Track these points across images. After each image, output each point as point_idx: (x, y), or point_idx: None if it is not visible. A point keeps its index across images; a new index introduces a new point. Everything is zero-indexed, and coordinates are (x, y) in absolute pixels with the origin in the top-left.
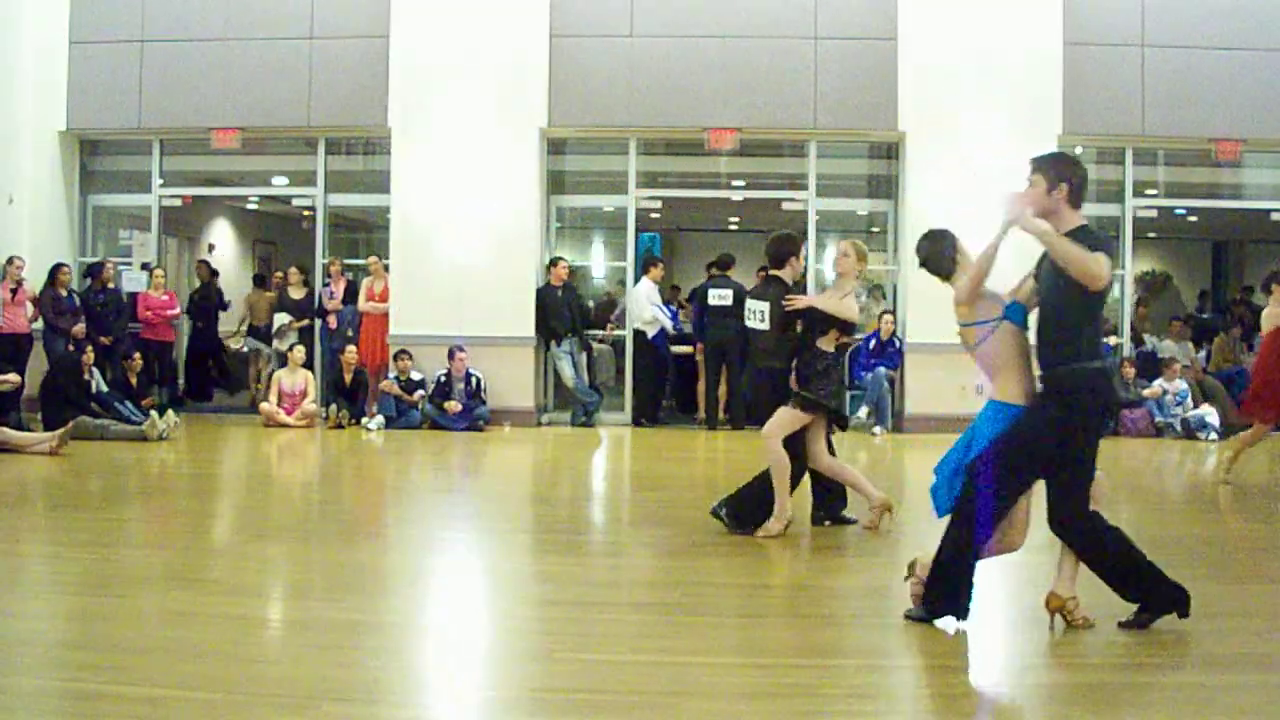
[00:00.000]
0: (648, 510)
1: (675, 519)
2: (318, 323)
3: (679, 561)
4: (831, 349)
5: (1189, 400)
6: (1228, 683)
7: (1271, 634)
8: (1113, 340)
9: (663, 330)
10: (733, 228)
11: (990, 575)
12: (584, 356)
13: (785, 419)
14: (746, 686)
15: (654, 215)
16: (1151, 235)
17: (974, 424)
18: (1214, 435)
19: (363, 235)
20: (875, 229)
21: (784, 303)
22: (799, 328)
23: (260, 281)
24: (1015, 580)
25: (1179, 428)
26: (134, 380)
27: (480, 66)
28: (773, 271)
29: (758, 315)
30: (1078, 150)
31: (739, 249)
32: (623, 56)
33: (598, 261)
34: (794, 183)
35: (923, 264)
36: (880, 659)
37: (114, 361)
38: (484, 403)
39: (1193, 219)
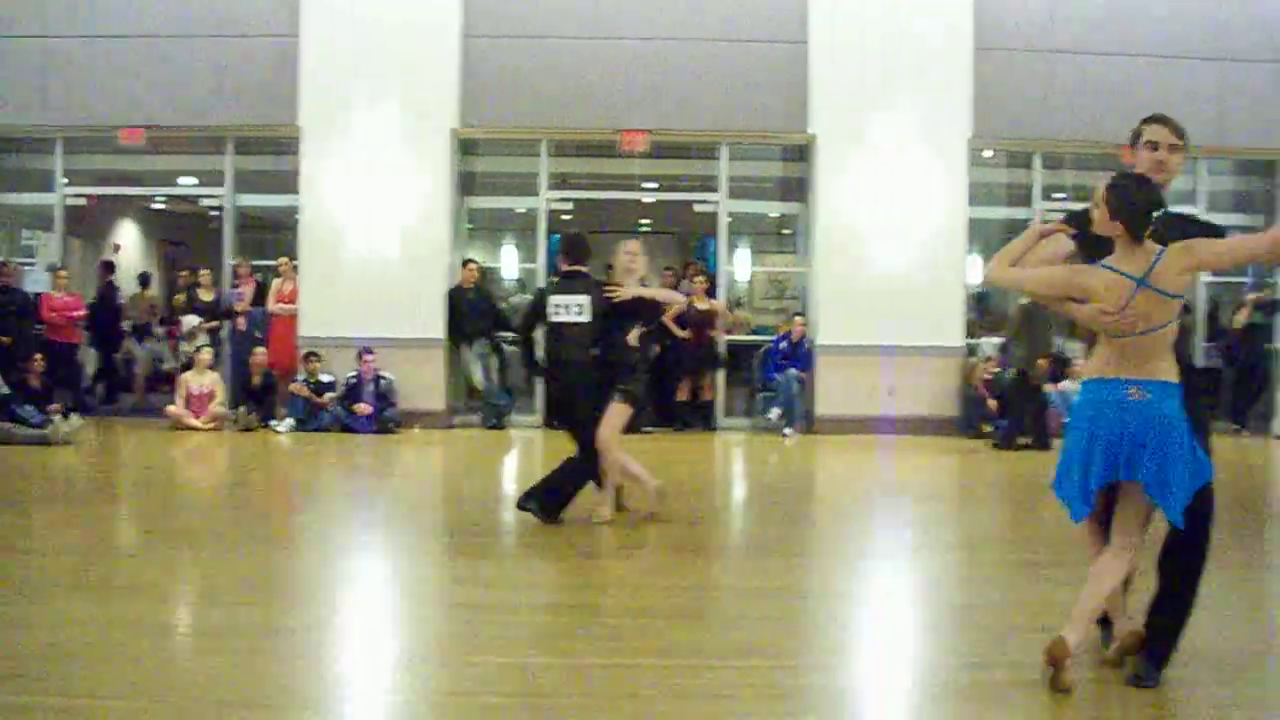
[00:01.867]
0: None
1: (585, 522)
2: (225, 324)
3: (589, 563)
4: (636, 343)
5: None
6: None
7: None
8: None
9: None
10: (644, 229)
11: (898, 576)
12: (495, 359)
13: (618, 418)
14: (658, 688)
15: (565, 217)
16: None
17: (1146, 413)
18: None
19: (271, 236)
20: (786, 231)
21: (605, 294)
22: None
23: (145, 281)
24: (930, 579)
25: None
26: (36, 383)
27: (391, 66)
28: (575, 267)
29: (575, 309)
30: (986, 154)
31: (651, 251)
32: (535, 57)
33: (509, 263)
34: (705, 185)
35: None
36: (790, 659)
37: (15, 364)
38: (394, 405)
39: None
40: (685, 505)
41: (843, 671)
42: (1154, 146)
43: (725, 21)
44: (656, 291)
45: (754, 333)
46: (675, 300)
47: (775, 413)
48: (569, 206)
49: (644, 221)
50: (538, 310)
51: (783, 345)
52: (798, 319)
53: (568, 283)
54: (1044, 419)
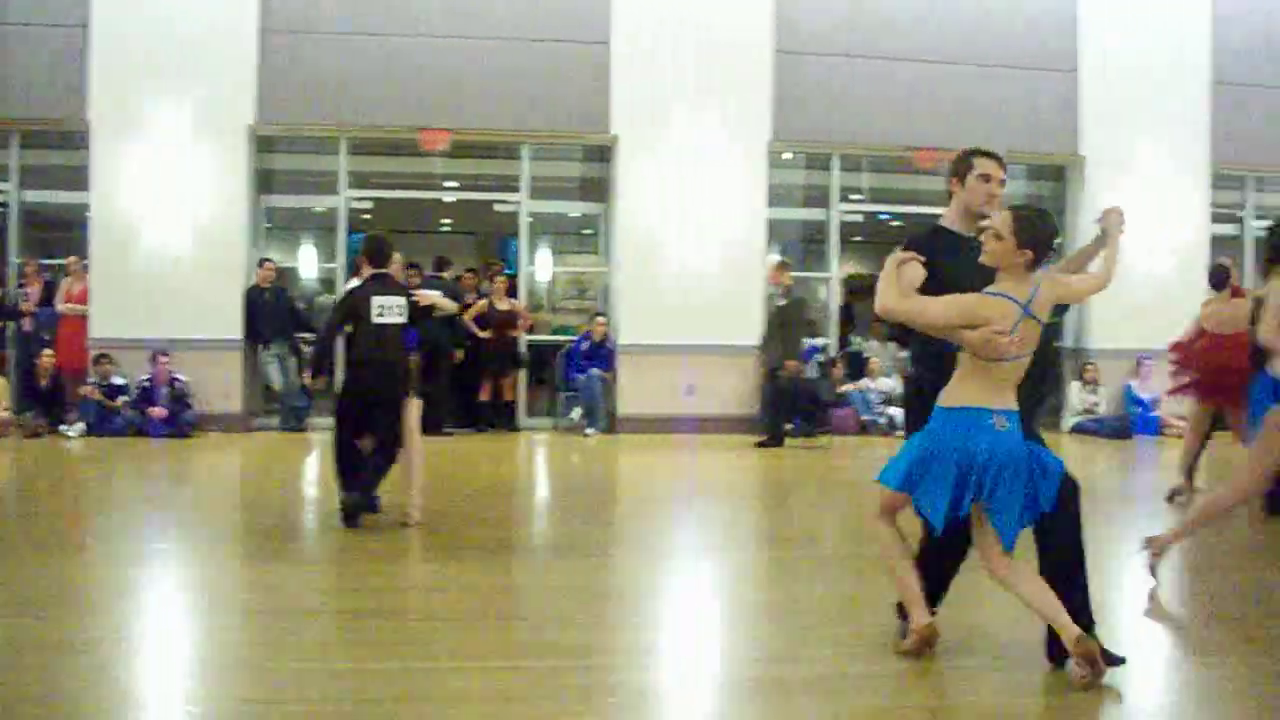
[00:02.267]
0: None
1: (385, 524)
2: (11, 325)
3: (392, 566)
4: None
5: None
6: (929, 668)
7: (973, 618)
8: (820, 341)
9: None
10: (445, 229)
11: (700, 573)
12: (293, 360)
13: (418, 413)
14: (463, 692)
15: (365, 216)
16: (857, 239)
17: (1008, 444)
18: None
19: (60, 234)
20: (587, 231)
21: (414, 299)
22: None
23: None
24: (725, 577)
25: (884, 424)
26: None
27: (186, 59)
28: (380, 270)
29: (396, 310)
30: (786, 156)
31: (452, 251)
32: (335, 54)
33: (308, 263)
34: (507, 185)
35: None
36: (590, 658)
37: None
38: (190, 408)
39: (896, 224)
40: (488, 506)
41: (647, 669)
42: (987, 179)
43: (528, 21)
44: (443, 300)
45: (555, 333)
46: (447, 307)
47: (577, 412)
48: (369, 206)
49: (445, 221)
50: (353, 310)
51: (584, 345)
52: (599, 319)
53: (383, 285)
54: (827, 415)
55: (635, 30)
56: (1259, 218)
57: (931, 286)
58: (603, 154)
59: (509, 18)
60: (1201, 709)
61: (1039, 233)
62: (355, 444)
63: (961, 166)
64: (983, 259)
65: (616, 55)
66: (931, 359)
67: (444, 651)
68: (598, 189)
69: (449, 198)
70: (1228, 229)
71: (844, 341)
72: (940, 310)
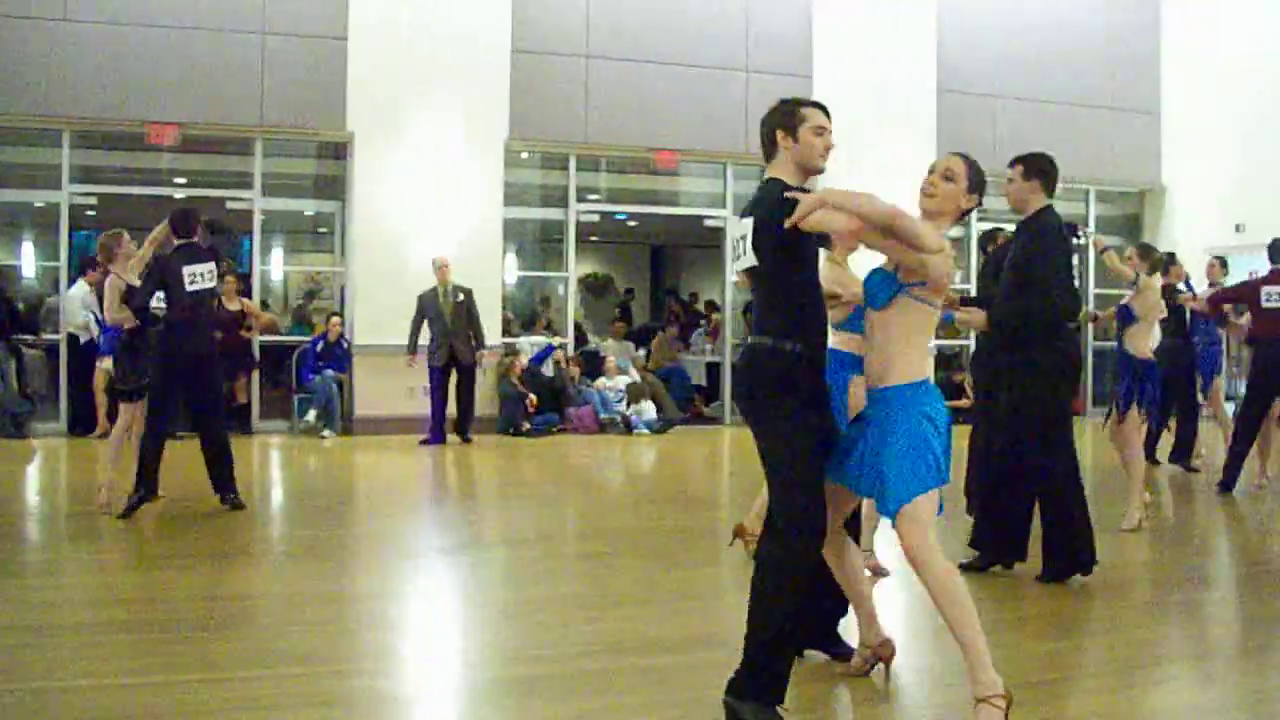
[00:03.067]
0: (92, 525)
1: (120, 531)
2: None
3: (129, 577)
4: None
5: (628, 397)
6: (679, 663)
7: (711, 614)
8: (556, 340)
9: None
10: None
11: (445, 574)
12: (13, 363)
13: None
14: (202, 702)
15: (90, 213)
16: (594, 239)
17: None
18: (648, 430)
19: None
20: (322, 230)
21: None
22: None
23: None
24: (465, 578)
25: (620, 423)
26: None
27: None
28: (187, 240)
29: (207, 276)
30: (523, 156)
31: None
32: (57, 42)
33: (28, 261)
34: (240, 181)
35: None
36: (329, 664)
37: None
38: None
39: (633, 224)
40: (223, 513)
41: (392, 675)
42: (822, 131)
43: (262, 13)
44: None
45: (289, 333)
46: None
47: (313, 414)
48: (93, 202)
49: None
50: (163, 280)
51: (319, 346)
52: (334, 319)
53: (191, 252)
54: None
55: (372, 26)
56: (980, 219)
57: (798, 246)
58: (338, 151)
59: (242, 9)
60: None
61: (983, 180)
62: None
63: (791, 119)
64: (925, 203)
65: (353, 50)
66: (814, 331)
67: (180, 663)
68: (333, 186)
69: (179, 194)
70: (954, 231)
71: (580, 340)
72: (932, 232)
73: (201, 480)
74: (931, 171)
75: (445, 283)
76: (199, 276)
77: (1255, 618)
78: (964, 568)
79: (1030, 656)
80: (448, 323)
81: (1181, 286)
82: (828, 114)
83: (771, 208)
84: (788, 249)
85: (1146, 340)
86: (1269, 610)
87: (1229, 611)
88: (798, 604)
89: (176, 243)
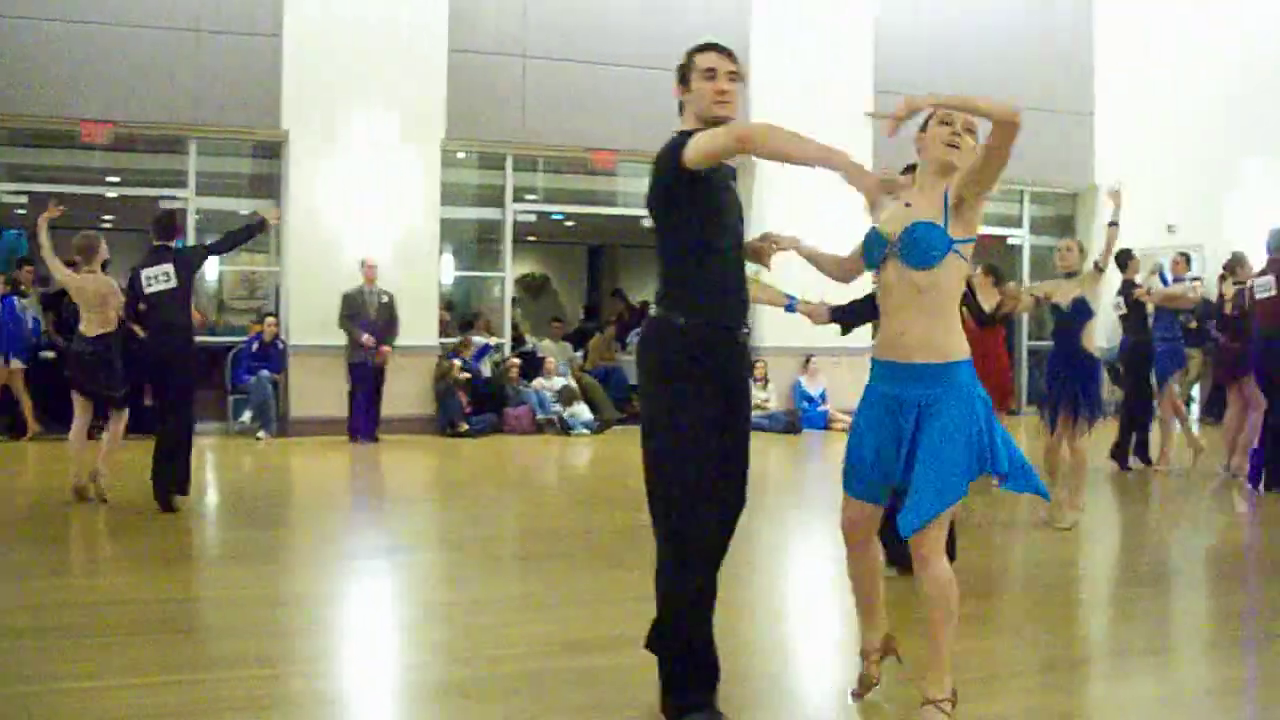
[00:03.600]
0: (32, 530)
1: (57, 537)
2: None
3: (57, 581)
4: None
5: (562, 399)
6: (616, 664)
7: (648, 615)
8: (493, 340)
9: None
10: (107, 226)
11: (378, 576)
12: None
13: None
14: (136, 709)
15: (20, 211)
16: (531, 239)
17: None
18: (586, 430)
19: None
20: None
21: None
22: None
23: None
24: (410, 578)
25: (558, 424)
26: None
27: None
28: (164, 243)
29: (162, 277)
30: (460, 155)
31: (115, 249)
32: None
33: None
34: (174, 180)
35: None
36: (266, 668)
37: None
38: None
39: (570, 224)
40: (155, 515)
41: (331, 677)
42: (712, 74)
43: (196, 10)
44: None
45: (225, 333)
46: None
47: (248, 415)
48: (23, 200)
49: (107, 218)
50: (135, 290)
51: (254, 347)
52: (269, 319)
53: (155, 255)
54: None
55: (307, 24)
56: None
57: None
58: (274, 150)
59: (176, 6)
60: None
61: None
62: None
63: (684, 71)
64: (951, 155)
65: (288, 49)
66: (716, 303)
67: (115, 668)
68: (268, 186)
69: (111, 193)
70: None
71: (518, 340)
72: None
73: (132, 483)
74: (947, 123)
75: (371, 282)
76: (154, 279)
77: (1185, 612)
78: None
79: (962, 654)
80: (371, 321)
81: (1156, 282)
82: (726, 54)
83: (662, 155)
84: (676, 204)
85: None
86: (1197, 606)
87: (1159, 607)
88: (703, 621)
89: (155, 244)
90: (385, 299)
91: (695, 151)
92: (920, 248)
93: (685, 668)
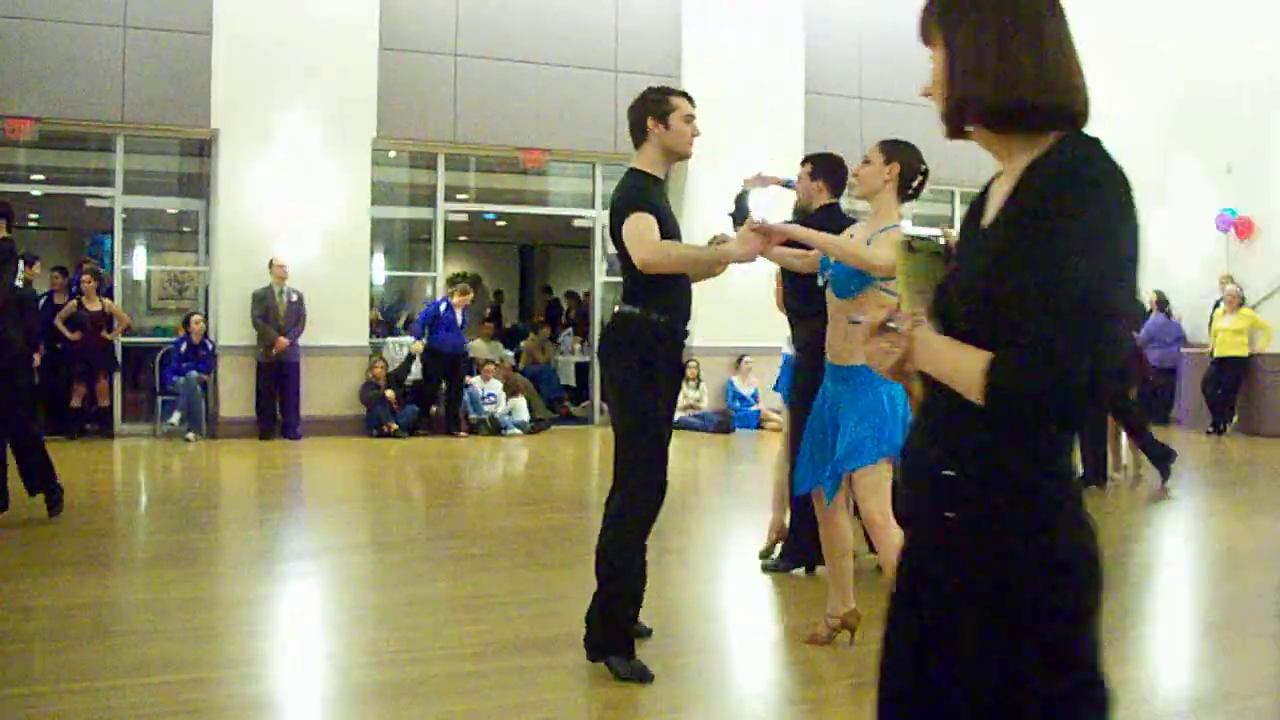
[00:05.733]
0: None
1: None
2: None
3: None
4: None
5: (500, 397)
6: (549, 664)
7: (581, 615)
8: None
9: None
10: (32, 225)
11: (310, 578)
12: None
13: None
14: (67, 714)
15: None
16: (463, 239)
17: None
18: (519, 431)
19: None
20: (186, 228)
21: None
22: None
23: None
24: (342, 579)
25: (489, 424)
26: None
27: None
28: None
29: None
30: (391, 154)
31: (41, 248)
32: None
33: None
34: (100, 178)
35: None
36: (197, 671)
37: None
38: None
39: (501, 224)
40: (83, 518)
41: (259, 680)
42: (691, 119)
43: (123, 6)
44: None
45: (153, 334)
46: None
47: (177, 416)
48: None
49: (32, 216)
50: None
51: (183, 347)
52: (194, 319)
53: None
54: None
55: (236, 20)
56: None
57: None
58: (202, 148)
59: (103, 2)
60: None
61: (902, 151)
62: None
63: (662, 106)
64: (856, 193)
65: (217, 46)
66: (677, 304)
67: (40, 675)
68: (197, 184)
69: (36, 191)
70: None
71: None
72: (887, 253)
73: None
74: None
75: (281, 281)
76: None
77: (1117, 609)
78: None
79: None
80: (280, 321)
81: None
82: (693, 104)
83: (622, 200)
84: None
85: None
86: (1124, 602)
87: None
88: (637, 560)
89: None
90: (294, 298)
91: (641, 256)
92: (842, 282)
93: (617, 614)
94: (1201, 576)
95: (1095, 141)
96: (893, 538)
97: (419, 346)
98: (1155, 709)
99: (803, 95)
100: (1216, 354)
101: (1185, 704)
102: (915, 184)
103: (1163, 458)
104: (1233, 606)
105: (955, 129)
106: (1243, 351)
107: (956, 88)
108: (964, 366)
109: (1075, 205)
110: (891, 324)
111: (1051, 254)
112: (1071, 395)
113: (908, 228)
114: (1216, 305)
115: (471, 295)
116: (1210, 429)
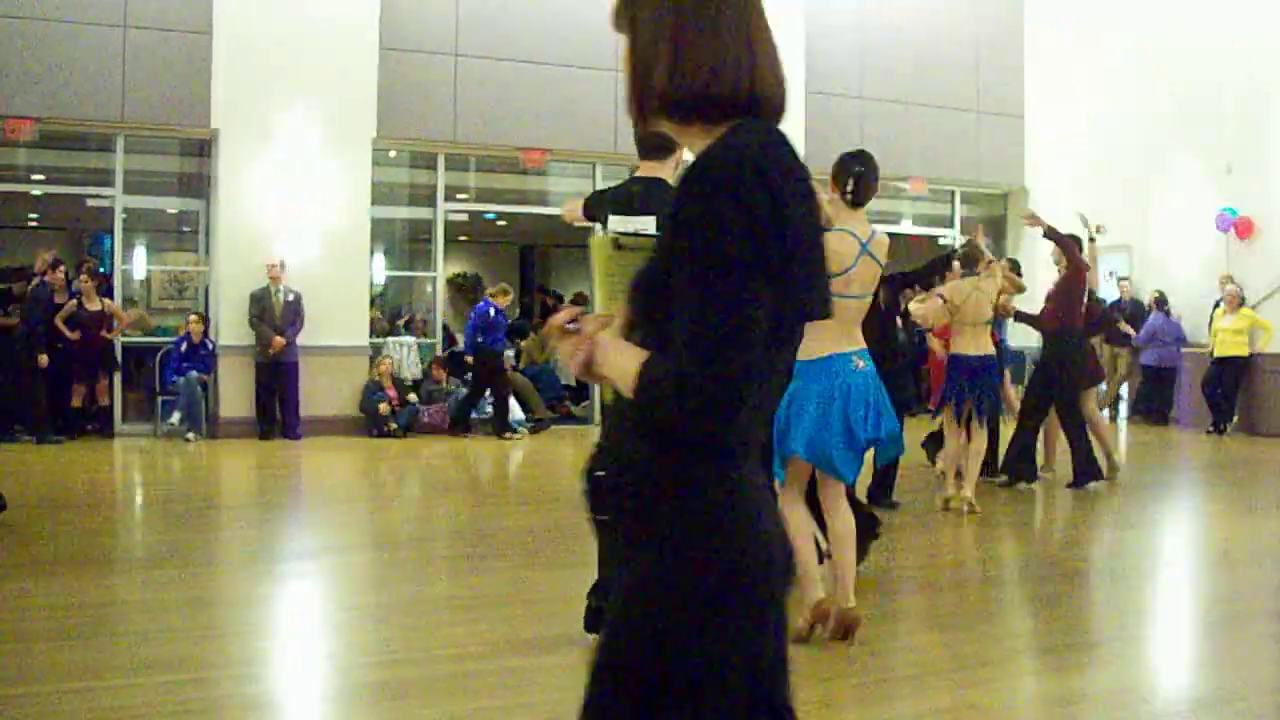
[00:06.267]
0: None
1: None
2: None
3: None
4: None
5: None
6: (549, 664)
7: (581, 614)
8: (424, 340)
9: None
10: (32, 224)
11: (309, 578)
12: None
13: None
14: (69, 713)
15: None
16: (463, 239)
17: (870, 379)
18: (519, 430)
19: None
20: (186, 228)
21: None
22: None
23: None
24: (337, 580)
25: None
26: None
27: None
28: None
29: None
30: (391, 154)
31: (40, 248)
32: None
33: None
34: (100, 178)
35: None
36: (199, 671)
37: None
38: None
39: (502, 224)
40: (85, 518)
41: (260, 680)
42: None
43: (124, 6)
44: None
45: (153, 334)
46: None
47: (177, 417)
48: None
49: (32, 216)
50: None
51: (183, 347)
52: (193, 318)
53: None
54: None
55: (237, 20)
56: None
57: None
58: (202, 148)
59: (105, 2)
60: None
61: (841, 166)
62: None
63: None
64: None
65: (218, 45)
66: None
67: (40, 674)
68: (197, 184)
69: (36, 190)
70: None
71: (451, 340)
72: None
73: (57, 485)
74: None
75: (277, 282)
76: None
77: (1117, 609)
78: None
79: (902, 650)
80: (276, 321)
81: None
82: None
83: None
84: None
85: None
86: (1124, 602)
87: (1089, 603)
88: None
89: None
90: (291, 298)
91: None
92: None
93: None
94: (1201, 576)
95: (747, 131)
96: (848, 519)
97: (469, 360)
98: (1155, 709)
99: (803, 95)
100: (1216, 354)
101: (1185, 704)
102: (849, 187)
103: (1084, 473)
104: (1232, 606)
105: (638, 119)
106: (1243, 351)
107: (637, 78)
108: (628, 369)
109: (693, 215)
110: (572, 325)
111: (677, 265)
112: (688, 411)
113: (616, 223)
114: (1216, 305)
115: (511, 296)
116: (1210, 429)
